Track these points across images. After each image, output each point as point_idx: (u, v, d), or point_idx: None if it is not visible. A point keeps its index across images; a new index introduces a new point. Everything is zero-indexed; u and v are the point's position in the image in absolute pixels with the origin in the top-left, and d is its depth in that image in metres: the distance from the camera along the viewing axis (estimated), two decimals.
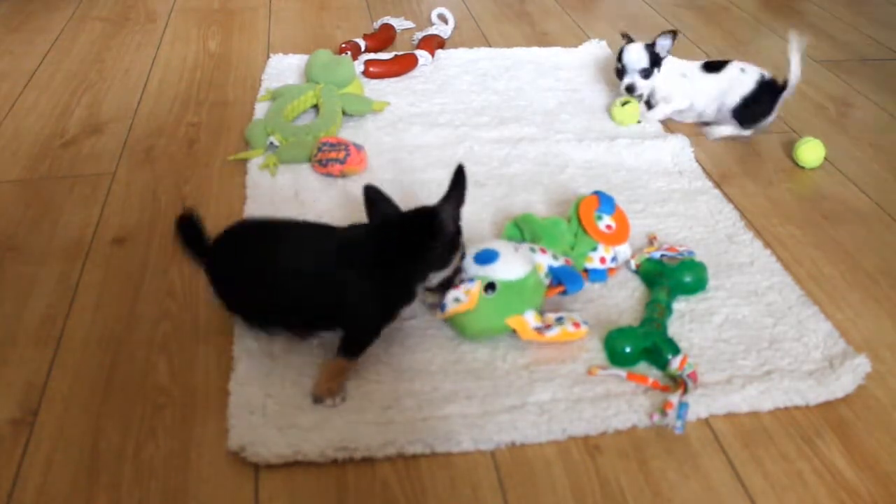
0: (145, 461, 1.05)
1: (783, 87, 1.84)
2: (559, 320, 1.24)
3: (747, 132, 1.87)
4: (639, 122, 1.90)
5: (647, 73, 1.87)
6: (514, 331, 1.21)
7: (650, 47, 1.86)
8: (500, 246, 1.27)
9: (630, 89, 1.88)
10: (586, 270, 1.37)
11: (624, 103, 1.87)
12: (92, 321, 1.28)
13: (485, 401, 1.14)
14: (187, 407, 1.13)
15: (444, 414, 1.11)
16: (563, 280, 1.30)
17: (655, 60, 1.86)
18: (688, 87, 1.89)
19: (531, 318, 1.22)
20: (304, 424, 1.09)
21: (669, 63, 1.89)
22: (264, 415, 1.10)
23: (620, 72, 1.89)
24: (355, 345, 1.16)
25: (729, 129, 1.87)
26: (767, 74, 1.87)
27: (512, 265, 1.22)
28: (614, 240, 1.38)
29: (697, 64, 1.91)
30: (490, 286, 1.20)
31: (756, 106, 1.84)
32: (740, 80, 1.84)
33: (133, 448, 1.07)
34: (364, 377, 1.17)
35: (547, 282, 1.29)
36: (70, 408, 1.13)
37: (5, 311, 1.30)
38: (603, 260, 1.37)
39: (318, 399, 1.12)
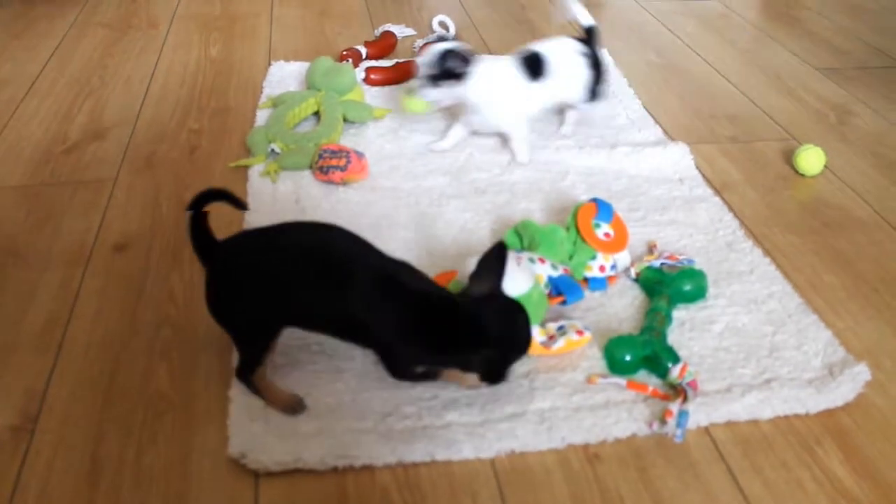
0: (146, 468, 1.06)
1: (592, 39, 1.76)
2: (561, 329, 1.24)
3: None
4: (427, 109, 1.77)
5: (434, 82, 1.65)
6: None
7: (445, 58, 1.63)
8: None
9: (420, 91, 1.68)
10: (586, 279, 1.37)
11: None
12: (93, 327, 1.28)
13: (485, 408, 1.14)
14: (188, 413, 1.13)
15: (444, 422, 1.11)
16: (563, 290, 1.30)
17: (449, 74, 1.63)
18: (518, 108, 1.73)
19: (537, 334, 1.22)
20: (304, 432, 1.09)
21: (491, 80, 1.67)
22: (265, 422, 1.10)
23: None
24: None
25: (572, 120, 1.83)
26: (583, 47, 1.74)
27: (515, 281, 1.21)
28: (613, 248, 1.38)
29: (516, 65, 1.70)
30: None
31: (601, 82, 1.78)
32: (572, 76, 1.74)
33: (133, 454, 1.07)
34: (364, 385, 1.17)
35: (546, 292, 1.29)
36: (70, 414, 1.13)
37: (6, 316, 1.31)
38: (602, 268, 1.37)
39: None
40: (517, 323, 1.11)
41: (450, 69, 1.63)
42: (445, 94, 1.66)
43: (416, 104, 1.75)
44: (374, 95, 2.00)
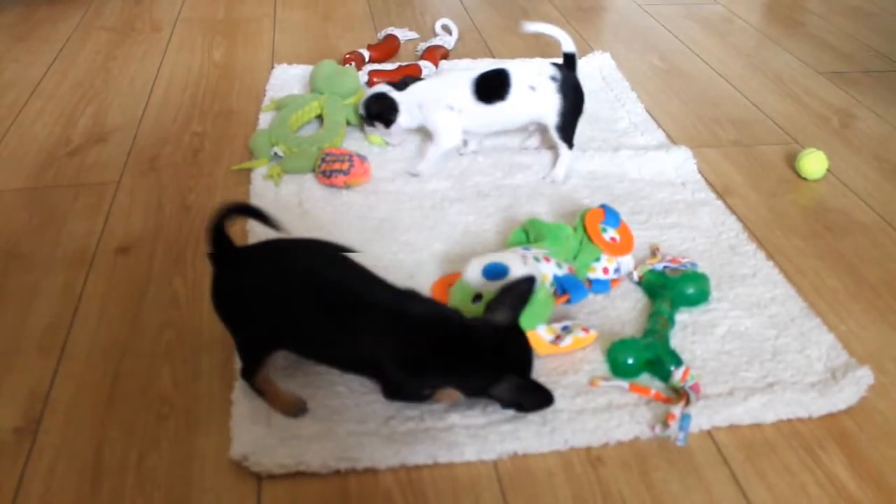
0: (148, 470, 1.06)
1: (572, 62, 1.69)
2: (566, 329, 1.24)
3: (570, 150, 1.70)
4: (386, 143, 1.81)
5: (370, 122, 1.75)
6: None
7: (370, 103, 1.72)
8: (509, 259, 1.26)
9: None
10: (589, 281, 1.37)
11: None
12: (96, 330, 1.28)
13: (487, 410, 1.14)
14: (190, 416, 1.13)
15: (446, 424, 1.11)
16: (568, 289, 1.30)
17: (377, 117, 1.72)
18: (457, 123, 1.68)
19: (544, 333, 1.22)
20: (306, 435, 1.09)
21: (427, 92, 1.70)
22: (267, 425, 1.10)
23: None
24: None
25: (563, 165, 1.70)
26: (557, 72, 1.65)
27: None
28: (618, 251, 1.38)
29: (470, 83, 1.67)
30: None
31: (573, 113, 1.69)
32: (538, 100, 1.66)
33: (136, 457, 1.07)
34: (367, 387, 1.17)
35: (552, 291, 1.29)
36: (73, 416, 1.13)
37: (9, 319, 1.31)
38: (606, 270, 1.37)
39: None
40: (529, 357, 1.13)
41: (376, 114, 1.72)
42: (385, 132, 1.76)
43: (376, 138, 1.81)
44: None
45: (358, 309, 1.07)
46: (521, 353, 1.13)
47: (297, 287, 1.08)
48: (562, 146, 1.69)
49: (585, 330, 1.24)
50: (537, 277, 1.23)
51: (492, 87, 1.66)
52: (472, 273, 1.26)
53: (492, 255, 1.29)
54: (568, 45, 1.69)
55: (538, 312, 1.22)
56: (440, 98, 1.69)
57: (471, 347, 1.09)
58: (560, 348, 1.22)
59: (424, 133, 1.78)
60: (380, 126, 1.75)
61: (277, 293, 1.08)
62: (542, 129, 1.77)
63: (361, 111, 1.77)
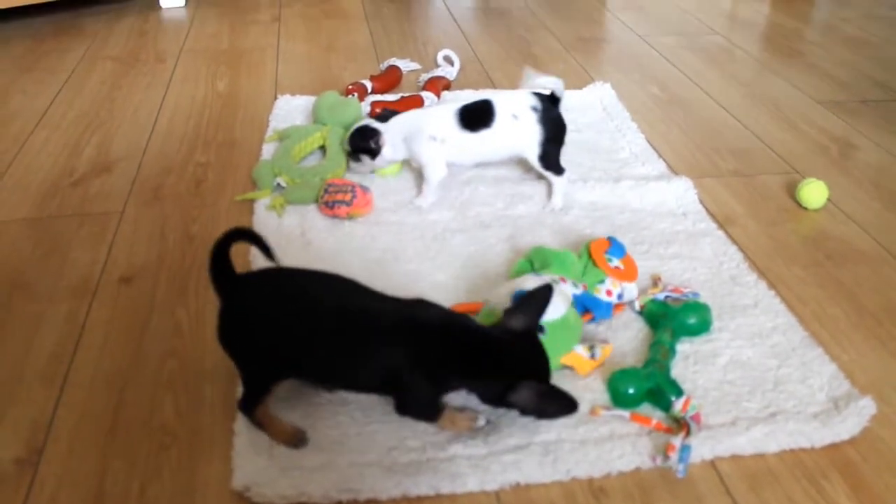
0: (150, 500, 1.05)
1: (556, 100, 1.70)
2: (589, 345, 1.27)
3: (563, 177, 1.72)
4: (399, 171, 1.82)
5: (356, 157, 1.77)
6: (569, 367, 1.24)
7: (355, 137, 1.73)
8: (534, 283, 1.26)
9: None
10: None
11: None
12: (98, 359, 1.29)
13: (489, 441, 1.14)
14: (193, 446, 1.13)
15: (448, 454, 1.11)
16: (590, 307, 1.34)
17: (363, 150, 1.74)
18: (440, 154, 1.70)
19: (582, 351, 1.25)
20: (308, 465, 1.09)
21: (409, 124, 1.72)
22: (269, 456, 1.10)
23: None
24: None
25: (559, 193, 1.71)
26: (538, 102, 1.67)
27: (553, 304, 1.19)
28: (623, 277, 1.40)
29: (453, 114, 1.69)
30: (538, 329, 1.19)
31: (554, 143, 1.70)
32: (519, 130, 1.67)
33: (138, 487, 1.07)
34: (369, 418, 1.17)
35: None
36: (76, 446, 1.13)
37: (13, 348, 1.31)
38: (609, 293, 1.38)
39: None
40: (547, 363, 1.13)
41: (360, 147, 1.73)
42: (371, 165, 1.77)
43: (389, 169, 1.81)
44: None
45: (371, 322, 1.08)
46: (539, 358, 1.12)
47: (307, 310, 1.09)
48: (549, 175, 1.71)
49: (604, 342, 1.29)
50: (567, 301, 1.25)
51: (476, 116, 1.69)
52: (501, 297, 1.26)
53: (517, 281, 1.30)
54: (559, 91, 1.69)
55: (573, 333, 1.25)
56: (422, 129, 1.70)
57: (488, 351, 1.09)
58: (598, 361, 1.25)
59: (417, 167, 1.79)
60: (365, 160, 1.75)
61: (287, 319, 1.08)
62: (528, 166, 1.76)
63: (346, 146, 1.78)
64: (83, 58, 2.51)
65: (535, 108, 1.67)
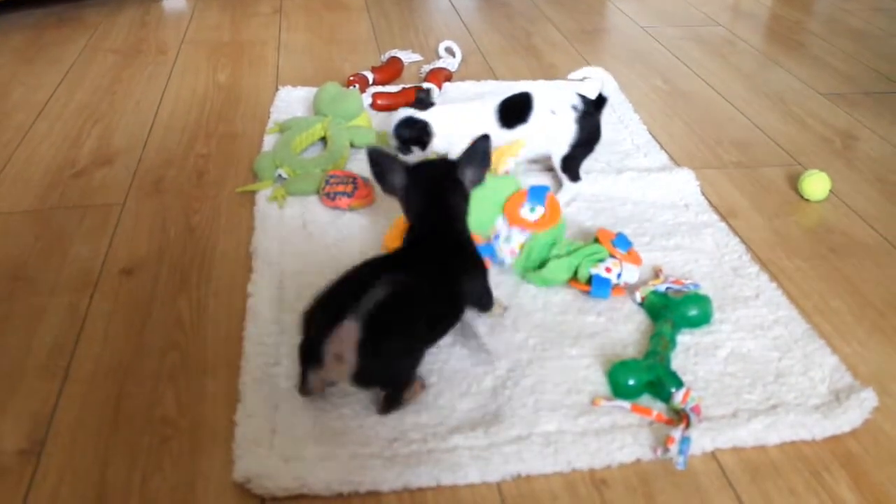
0: (152, 493, 1.06)
1: (601, 103, 1.70)
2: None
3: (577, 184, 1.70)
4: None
5: (406, 149, 1.72)
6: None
7: (403, 129, 1.70)
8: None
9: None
10: (591, 277, 1.39)
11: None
12: (100, 352, 1.29)
13: (490, 431, 1.14)
14: (194, 438, 1.13)
15: (449, 445, 1.11)
16: (593, 282, 1.38)
17: (412, 140, 1.71)
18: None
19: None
20: (310, 457, 1.09)
21: (452, 118, 1.71)
22: (270, 447, 1.10)
23: None
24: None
25: (567, 192, 1.69)
26: (581, 103, 1.66)
27: None
28: (625, 259, 1.41)
29: (493, 112, 1.69)
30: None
31: (584, 148, 1.69)
32: (554, 126, 1.66)
33: (140, 479, 1.07)
34: (370, 409, 1.17)
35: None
36: (77, 439, 1.13)
37: (14, 341, 1.31)
38: (609, 269, 1.39)
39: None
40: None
41: (409, 137, 1.71)
42: (420, 157, 1.72)
43: None
44: (380, 121, 2.01)
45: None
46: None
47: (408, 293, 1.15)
48: (565, 178, 1.70)
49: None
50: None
51: (514, 112, 1.68)
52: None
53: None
54: (605, 88, 1.68)
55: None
56: (461, 128, 1.66)
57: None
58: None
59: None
60: (416, 151, 1.72)
61: (410, 309, 1.14)
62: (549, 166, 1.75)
63: (393, 140, 1.74)
64: (84, 49, 2.51)
65: (575, 108, 1.66)
